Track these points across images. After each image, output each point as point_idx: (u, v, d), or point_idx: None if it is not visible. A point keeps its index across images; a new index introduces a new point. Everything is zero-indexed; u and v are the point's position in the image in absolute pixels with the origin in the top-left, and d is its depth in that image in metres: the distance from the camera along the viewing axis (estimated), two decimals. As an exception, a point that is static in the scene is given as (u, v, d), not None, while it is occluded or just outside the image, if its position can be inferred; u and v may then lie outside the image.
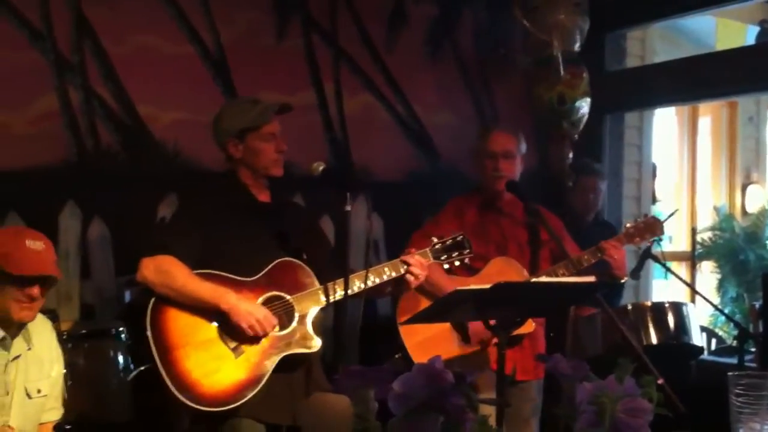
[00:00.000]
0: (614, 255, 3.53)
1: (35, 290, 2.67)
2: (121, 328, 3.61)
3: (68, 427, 3.20)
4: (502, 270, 3.44)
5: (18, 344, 2.74)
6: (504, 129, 3.76)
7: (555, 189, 4.96)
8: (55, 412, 2.89)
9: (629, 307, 3.82)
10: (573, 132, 5.01)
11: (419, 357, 3.34)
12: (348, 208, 2.97)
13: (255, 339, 2.87)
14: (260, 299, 2.94)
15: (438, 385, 1.63)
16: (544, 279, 3.38)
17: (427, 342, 3.38)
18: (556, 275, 3.45)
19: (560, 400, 1.87)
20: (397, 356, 3.38)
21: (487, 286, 2.69)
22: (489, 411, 1.82)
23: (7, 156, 3.97)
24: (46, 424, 2.86)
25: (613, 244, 3.56)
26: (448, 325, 3.42)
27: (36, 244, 2.70)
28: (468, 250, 3.20)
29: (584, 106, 4.99)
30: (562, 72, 4.83)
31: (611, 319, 3.28)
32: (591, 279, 3.12)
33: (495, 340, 2.94)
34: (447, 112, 5.15)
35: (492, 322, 2.85)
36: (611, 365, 1.76)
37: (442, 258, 3.18)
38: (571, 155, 5.11)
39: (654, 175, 5.83)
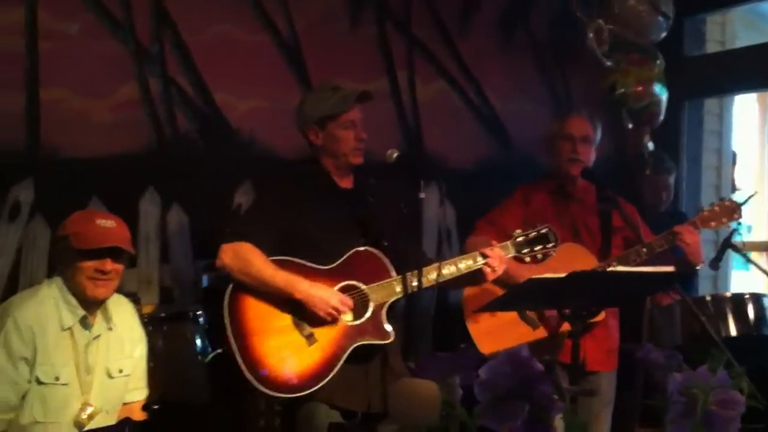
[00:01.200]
0: (687, 240, 3.43)
1: (107, 264, 2.73)
2: (199, 312, 3.68)
3: (156, 407, 3.28)
4: (570, 257, 3.38)
5: (99, 324, 2.82)
6: (582, 114, 3.71)
7: (630, 177, 4.87)
8: (138, 392, 2.96)
9: (708, 298, 3.75)
10: (631, 120, 4.88)
11: (485, 346, 3.34)
12: (422, 195, 2.97)
13: (329, 327, 2.90)
14: (335, 288, 2.97)
15: (525, 373, 1.64)
16: (620, 268, 3.32)
17: (494, 331, 3.36)
18: (628, 262, 3.38)
19: (634, 391, 1.86)
20: (462, 346, 3.38)
21: (563, 275, 2.67)
22: None
23: (90, 143, 4.07)
24: (130, 404, 2.93)
25: (687, 229, 3.46)
26: (514, 314, 3.40)
27: (107, 222, 2.78)
28: (553, 244, 3.14)
29: (649, 94, 4.86)
30: (604, 61, 4.73)
31: (690, 310, 3.22)
32: (669, 268, 3.06)
33: (564, 328, 2.92)
34: (521, 99, 5.10)
35: (566, 311, 2.83)
36: (689, 356, 1.74)
37: (524, 251, 3.13)
38: (650, 144, 5.01)
39: (734, 163, 5.68)
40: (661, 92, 4.84)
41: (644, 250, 3.41)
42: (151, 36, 4.27)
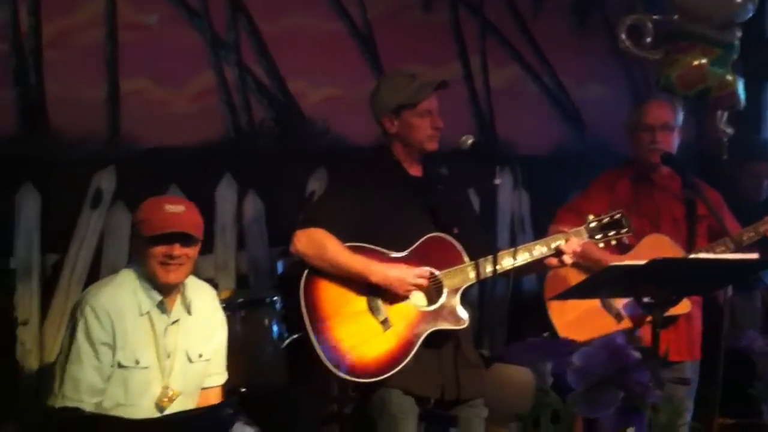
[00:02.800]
0: None
1: (175, 249, 2.76)
2: (275, 298, 3.72)
3: (243, 389, 3.34)
4: (655, 247, 3.33)
5: (177, 309, 2.87)
6: (661, 99, 3.64)
7: (712, 162, 4.76)
8: (218, 377, 3.00)
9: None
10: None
11: (567, 333, 3.30)
12: (497, 181, 2.95)
13: (404, 313, 2.91)
14: None
15: (621, 361, 1.62)
16: (703, 255, 3.25)
17: (577, 320, 3.33)
18: (714, 253, 3.31)
19: (717, 382, 1.83)
20: (545, 334, 3.35)
21: (643, 261, 2.63)
22: None
23: (169, 132, 4.17)
24: (210, 389, 2.97)
25: None
26: (598, 302, 3.35)
27: (176, 207, 2.81)
28: (626, 229, 3.08)
29: (699, 80, 4.71)
30: (646, 56, 4.61)
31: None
32: (754, 256, 2.98)
33: (649, 318, 2.87)
34: (597, 84, 5.03)
35: (646, 299, 2.78)
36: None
37: (598, 237, 3.08)
38: (729, 129, 4.88)
39: (818, 148, 5.49)
40: (722, 76, 4.68)
41: (732, 242, 3.32)
42: (227, 25, 4.34)
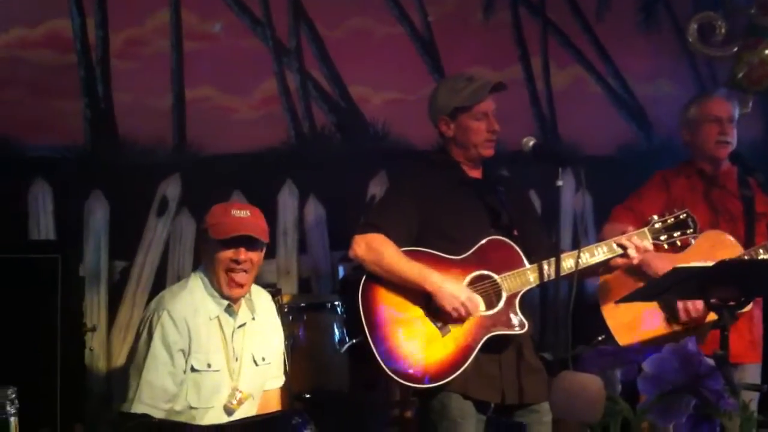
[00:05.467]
0: None
1: (241, 254, 2.80)
2: (337, 302, 3.75)
3: (308, 395, 3.36)
4: (712, 244, 3.25)
5: (243, 313, 2.91)
6: (721, 95, 3.57)
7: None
8: (277, 380, 3.05)
9: None
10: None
11: (624, 338, 3.26)
12: (560, 183, 2.90)
13: (461, 319, 2.90)
14: (467, 278, 2.95)
15: (693, 368, 1.59)
16: None
17: (632, 322, 3.27)
18: None
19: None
20: (600, 338, 3.29)
21: (710, 263, 2.57)
22: None
23: (233, 139, 4.25)
24: (270, 391, 3.02)
25: None
26: (653, 304, 3.29)
27: (242, 212, 2.86)
28: (692, 230, 3.03)
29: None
30: (713, 53, 4.49)
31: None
32: None
33: (708, 319, 2.80)
34: (662, 83, 4.92)
35: (714, 300, 2.71)
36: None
37: (662, 238, 3.03)
38: None
39: None
40: None
41: None
42: (289, 32, 4.39)
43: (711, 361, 1.61)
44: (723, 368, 1.63)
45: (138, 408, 2.73)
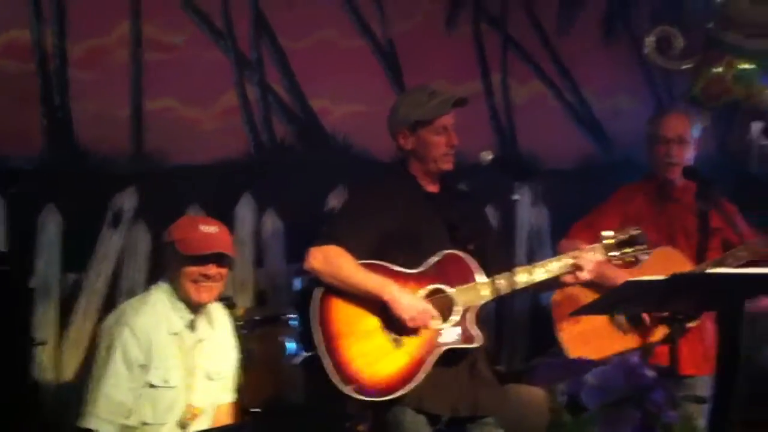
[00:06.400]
0: None
1: (210, 269, 2.81)
2: (292, 315, 3.73)
3: (256, 410, 3.33)
4: (665, 261, 3.28)
5: (203, 328, 2.90)
6: (678, 112, 3.62)
7: (736, 175, 4.69)
8: (230, 395, 3.03)
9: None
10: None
11: (576, 350, 3.27)
12: (516, 197, 2.91)
13: (415, 331, 2.89)
14: (423, 291, 2.95)
15: (637, 380, 1.60)
16: (723, 270, 3.20)
17: (583, 336, 3.29)
18: (724, 266, 3.26)
19: (734, 397, 1.79)
20: (551, 349, 3.31)
21: (662, 277, 2.59)
22: None
23: (193, 150, 4.24)
24: (222, 405, 2.99)
25: None
26: (605, 319, 3.32)
27: (209, 227, 2.87)
28: (643, 246, 3.06)
29: (724, 92, 4.63)
30: (671, 66, 4.56)
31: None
32: None
33: (656, 333, 2.83)
34: (620, 98, 4.98)
35: (665, 314, 2.74)
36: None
37: (614, 254, 3.04)
38: (764, 140, 4.81)
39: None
40: (751, 87, 4.60)
41: (742, 253, 3.27)
42: (251, 44, 4.38)
43: (654, 374, 1.62)
44: (665, 381, 1.63)
45: (95, 422, 2.71)
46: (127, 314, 2.82)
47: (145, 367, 2.75)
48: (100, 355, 2.77)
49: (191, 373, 2.84)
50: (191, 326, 2.85)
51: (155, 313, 2.81)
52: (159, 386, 2.76)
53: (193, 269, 2.79)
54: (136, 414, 2.74)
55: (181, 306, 2.83)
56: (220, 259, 2.83)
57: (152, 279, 2.99)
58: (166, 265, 2.90)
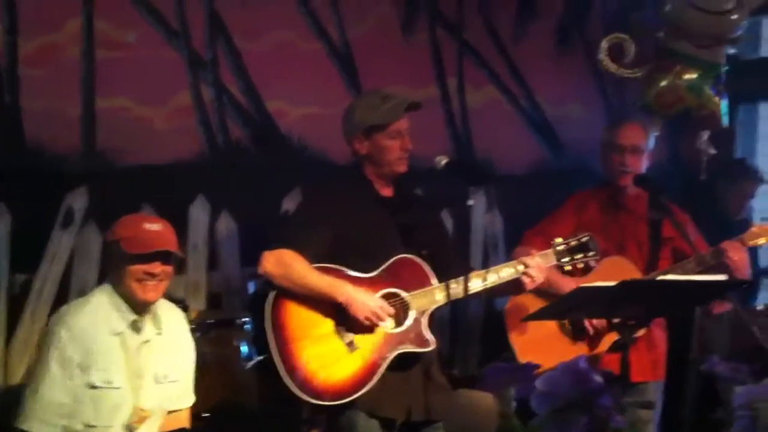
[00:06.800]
0: (733, 257, 3.39)
1: (155, 267, 2.77)
2: (246, 318, 3.71)
3: (206, 415, 3.31)
4: (614, 270, 3.33)
5: (149, 329, 2.86)
6: (635, 122, 3.69)
7: (687, 183, 4.78)
8: (186, 400, 2.99)
9: (760, 307, 3.67)
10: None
11: (526, 355, 3.31)
12: (471, 202, 2.94)
13: (370, 333, 2.90)
14: (377, 295, 2.96)
15: (584, 385, 1.62)
16: (672, 277, 3.26)
17: (536, 341, 3.34)
18: (684, 272, 3.33)
19: (684, 402, 1.82)
20: (504, 354, 3.35)
21: (613, 283, 2.63)
22: None
23: (146, 150, 4.17)
24: (177, 412, 2.95)
25: (733, 245, 3.43)
26: (556, 324, 3.37)
27: (154, 225, 2.83)
28: (594, 252, 3.10)
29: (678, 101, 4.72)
30: (623, 74, 4.64)
31: (741, 320, 3.16)
32: (722, 277, 3.00)
33: (606, 340, 2.86)
34: (574, 104, 5.05)
35: (616, 320, 2.79)
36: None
37: (565, 260, 3.09)
38: (711, 149, 4.91)
39: (788, 169, 5.52)
40: (702, 96, 4.69)
41: (691, 266, 3.35)
42: (206, 44, 4.34)
43: (602, 379, 1.65)
44: (612, 386, 1.66)
45: (32, 424, 2.67)
46: (66, 314, 2.79)
47: (84, 368, 2.71)
48: (38, 356, 2.75)
49: (138, 374, 2.80)
50: (135, 327, 2.81)
51: (95, 314, 2.77)
52: (101, 387, 2.72)
53: (138, 268, 2.75)
54: (79, 416, 2.70)
55: (124, 306, 2.79)
56: (165, 257, 2.79)
57: (103, 280, 2.92)
58: (110, 265, 2.86)
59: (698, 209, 3.80)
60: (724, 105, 4.83)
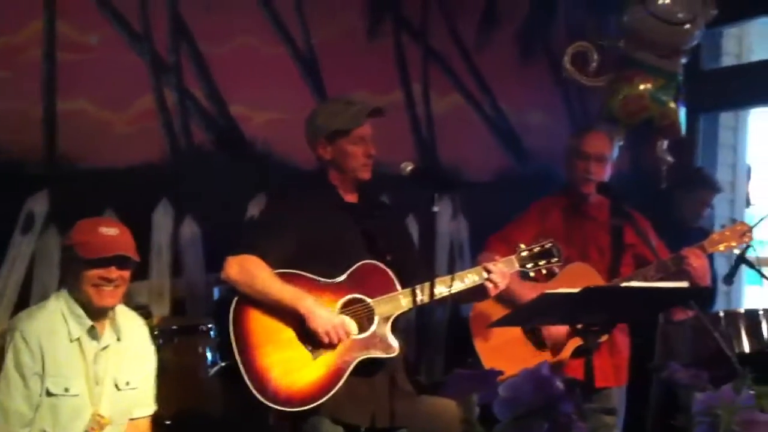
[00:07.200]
0: (694, 264, 3.43)
1: (112, 272, 2.74)
2: (210, 325, 3.69)
3: (168, 422, 3.27)
4: (577, 276, 3.38)
5: (107, 335, 2.83)
6: (600, 130, 3.73)
7: (647, 191, 4.84)
8: (147, 408, 2.96)
9: (721, 314, 3.73)
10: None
11: (491, 362, 3.34)
12: (436, 209, 2.96)
13: (332, 344, 2.90)
14: (340, 302, 2.96)
15: (546, 391, 1.62)
16: (634, 283, 3.31)
17: (500, 347, 3.36)
18: (647, 279, 3.37)
19: (649, 409, 1.84)
20: (469, 360, 3.37)
21: (576, 289, 2.66)
22: None
23: (106, 155, 4.11)
24: (138, 420, 2.93)
25: (694, 252, 3.47)
26: (520, 331, 3.39)
27: (110, 230, 2.80)
28: (557, 259, 3.13)
29: (642, 110, 4.79)
30: (586, 83, 4.71)
31: (703, 326, 3.20)
32: (684, 284, 3.05)
33: (569, 346, 2.88)
34: (537, 112, 5.09)
35: (579, 326, 2.81)
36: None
37: (529, 266, 3.12)
38: (669, 157, 4.98)
39: (748, 178, 5.62)
40: (664, 105, 4.77)
41: (651, 272, 3.39)
42: (169, 48, 4.30)
43: (564, 385, 1.66)
44: (571, 392, 1.67)
45: None
46: (20, 320, 2.76)
47: (40, 375, 2.67)
48: None
49: (97, 381, 2.77)
50: (92, 333, 2.78)
51: (51, 320, 2.74)
52: (59, 394, 2.69)
53: (94, 273, 2.72)
54: (37, 424, 2.67)
55: (81, 312, 2.76)
56: (121, 262, 2.76)
57: (63, 285, 2.89)
58: (66, 270, 2.83)
59: (656, 217, 3.85)
60: (682, 114, 4.91)
